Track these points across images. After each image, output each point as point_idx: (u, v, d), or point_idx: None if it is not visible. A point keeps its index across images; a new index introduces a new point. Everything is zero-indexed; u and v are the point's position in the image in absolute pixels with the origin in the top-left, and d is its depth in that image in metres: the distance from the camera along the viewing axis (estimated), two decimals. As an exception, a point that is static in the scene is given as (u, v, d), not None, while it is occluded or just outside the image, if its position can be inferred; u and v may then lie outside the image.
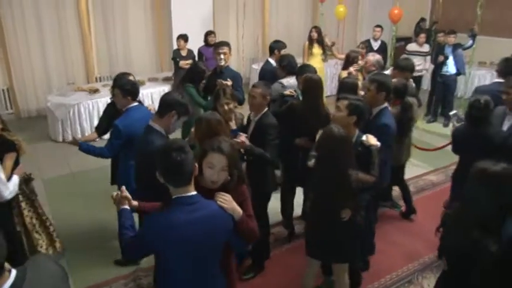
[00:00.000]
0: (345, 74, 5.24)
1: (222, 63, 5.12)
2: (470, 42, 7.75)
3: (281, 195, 4.57)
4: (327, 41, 7.79)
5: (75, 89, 7.72)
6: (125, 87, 3.67)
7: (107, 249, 4.30)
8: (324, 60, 7.80)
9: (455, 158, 4.16)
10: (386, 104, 3.75)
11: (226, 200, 2.27)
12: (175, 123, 3.18)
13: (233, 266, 2.71)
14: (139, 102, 3.90)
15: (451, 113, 5.01)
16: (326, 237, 3.16)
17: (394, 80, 4.17)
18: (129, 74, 4.06)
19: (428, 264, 4.21)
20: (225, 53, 5.13)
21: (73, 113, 7.03)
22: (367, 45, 7.69)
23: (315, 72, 4.40)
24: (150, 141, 3.02)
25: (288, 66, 4.81)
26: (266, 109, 3.75)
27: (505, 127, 3.92)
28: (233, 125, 3.73)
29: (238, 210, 2.32)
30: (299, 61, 5.46)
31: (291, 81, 4.70)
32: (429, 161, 6.29)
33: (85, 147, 3.76)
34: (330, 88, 9.28)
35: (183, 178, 2.13)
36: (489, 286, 2.15)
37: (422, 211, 4.92)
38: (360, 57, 5.40)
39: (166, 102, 3.14)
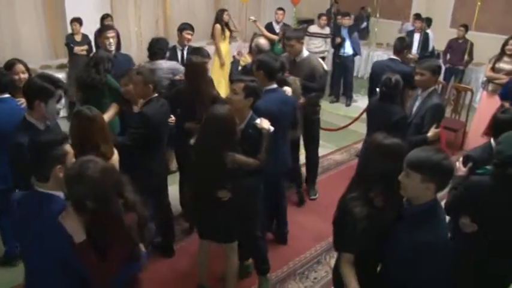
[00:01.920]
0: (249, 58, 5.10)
1: (112, 48, 4.84)
2: (365, 23, 8.00)
3: (179, 184, 4.40)
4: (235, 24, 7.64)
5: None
6: None
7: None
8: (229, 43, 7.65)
9: (358, 137, 4.21)
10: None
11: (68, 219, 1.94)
12: (51, 109, 2.80)
13: None
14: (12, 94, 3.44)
15: None
16: (207, 217, 3.18)
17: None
18: (14, 63, 3.63)
19: (335, 243, 4.21)
20: (113, 37, 4.85)
21: None
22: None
23: (208, 55, 4.39)
24: (15, 137, 2.74)
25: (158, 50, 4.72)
26: (153, 96, 3.52)
27: (414, 107, 4.02)
28: (136, 108, 3.57)
29: (80, 234, 1.96)
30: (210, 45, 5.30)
31: (165, 65, 4.64)
32: (333, 141, 6.37)
33: None
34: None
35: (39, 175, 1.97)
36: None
37: (328, 190, 4.94)
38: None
39: (26, 92, 2.81)
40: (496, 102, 5.66)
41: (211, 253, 3.53)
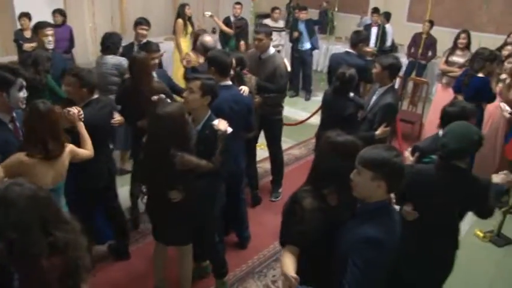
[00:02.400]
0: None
1: (51, 46, 4.67)
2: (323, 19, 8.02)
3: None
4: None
5: None
6: None
7: None
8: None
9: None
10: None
11: None
12: (14, 98, 2.73)
13: None
14: None
15: None
16: (158, 219, 3.17)
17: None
18: None
19: (294, 239, 4.18)
20: (52, 35, 4.70)
21: None
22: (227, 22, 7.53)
23: (157, 49, 4.32)
24: None
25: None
26: (92, 98, 3.32)
27: (371, 102, 4.00)
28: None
29: None
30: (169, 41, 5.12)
31: (111, 60, 4.58)
32: (292, 136, 6.34)
33: None
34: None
35: None
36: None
37: (286, 186, 4.89)
38: None
39: None
40: (450, 94, 5.77)
41: (170, 255, 3.45)
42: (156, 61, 4.21)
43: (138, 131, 3.59)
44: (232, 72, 3.71)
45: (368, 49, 5.37)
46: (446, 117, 2.96)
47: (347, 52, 5.06)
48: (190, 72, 4.16)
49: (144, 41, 5.12)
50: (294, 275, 2.02)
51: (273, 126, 4.70)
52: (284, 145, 5.87)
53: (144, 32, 5.24)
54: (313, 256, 2.19)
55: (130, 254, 3.93)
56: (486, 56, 4.93)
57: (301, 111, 7.29)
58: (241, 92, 3.73)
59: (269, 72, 4.35)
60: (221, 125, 2.97)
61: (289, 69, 4.54)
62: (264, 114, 4.46)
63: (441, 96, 5.76)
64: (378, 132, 3.74)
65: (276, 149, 4.92)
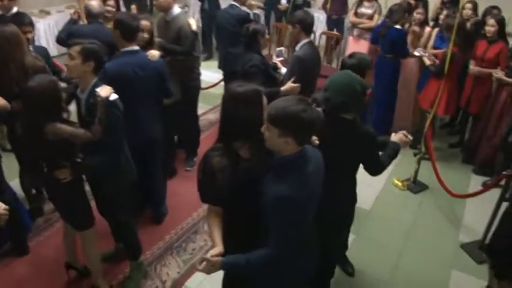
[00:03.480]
0: None
1: None
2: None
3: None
4: None
5: None
6: None
7: None
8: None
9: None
10: None
11: None
12: None
13: None
14: None
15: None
16: (53, 199, 3.00)
17: None
18: None
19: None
20: None
21: None
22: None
23: (29, 23, 3.70)
24: None
25: None
26: None
27: None
28: None
29: None
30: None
31: None
32: (207, 100, 6.04)
33: None
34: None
35: None
36: None
37: (203, 151, 4.62)
38: None
39: None
40: (361, 46, 5.75)
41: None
42: (30, 36, 3.63)
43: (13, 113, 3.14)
44: (146, 36, 3.56)
45: (253, 2, 5.19)
46: (344, 69, 2.87)
47: (231, 5, 4.85)
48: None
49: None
50: (215, 254, 1.95)
51: (188, 93, 4.41)
52: (199, 110, 5.61)
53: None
54: (236, 213, 2.09)
55: (39, 243, 3.62)
56: (405, 8, 5.00)
57: (216, 74, 6.97)
58: (150, 56, 3.38)
59: (174, 34, 4.07)
60: (102, 91, 2.63)
61: (194, 28, 4.19)
62: (181, 80, 4.22)
63: (353, 48, 5.69)
64: (284, 87, 3.57)
65: (190, 117, 4.68)
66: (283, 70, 3.90)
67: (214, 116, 5.79)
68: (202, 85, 5.90)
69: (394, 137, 2.76)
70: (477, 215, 4.17)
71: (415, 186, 4.65)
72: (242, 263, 1.94)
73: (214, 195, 2.10)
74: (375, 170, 2.69)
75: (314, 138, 2.27)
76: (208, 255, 1.94)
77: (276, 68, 3.95)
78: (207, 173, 2.07)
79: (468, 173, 4.97)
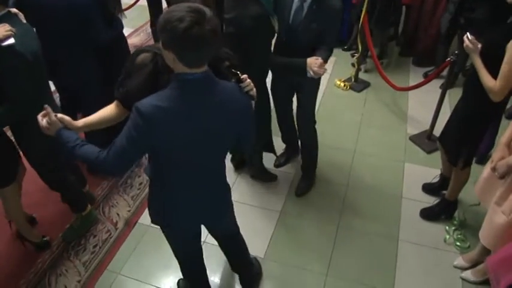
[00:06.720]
0: None
1: None
2: None
3: None
4: None
5: None
6: None
7: None
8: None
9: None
10: None
11: None
12: None
13: None
14: None
15: None
16: None
17: None
18: None
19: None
20: None
21: None
22: None
23: None
24: None
25: None
26: None
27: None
28: None
29: None
30: None
31: None
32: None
33: None
34: None
35: None
36: None
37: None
38: None
39: None
40: None
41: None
42: None
43: None
44: None
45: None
46: None
47: None
48: None
49: None
50: (62, 117, 1.76)
51: None
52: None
53: None
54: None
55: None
56: None
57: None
58: None
59: None
60: None
61: None
62: None
63: None
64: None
65: None
66: None
67: (139, 38, 5.29)
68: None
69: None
70: (421, 106, 4.18)
71: (357, 84, 4.56)
72: (70, 145, 1.68)
73: (123, 91, 1.87)
74: None
75: (244, 76, 1.75)
76: (58, 117, 1.73)
77: None
78: (127, 68, 1.89)
79: (407, 65, 4.93)
